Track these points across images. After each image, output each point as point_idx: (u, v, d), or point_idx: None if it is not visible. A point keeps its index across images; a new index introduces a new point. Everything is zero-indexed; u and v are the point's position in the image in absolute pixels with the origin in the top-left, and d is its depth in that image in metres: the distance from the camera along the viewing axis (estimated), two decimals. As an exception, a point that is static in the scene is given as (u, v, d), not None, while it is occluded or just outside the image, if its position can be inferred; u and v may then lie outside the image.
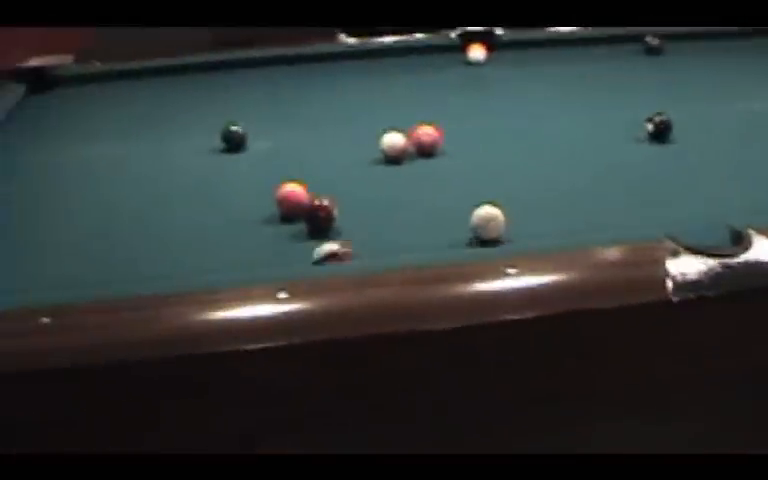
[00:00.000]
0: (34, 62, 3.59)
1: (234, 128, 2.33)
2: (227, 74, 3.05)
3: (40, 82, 2.98)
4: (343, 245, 1.69)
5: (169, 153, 2.39)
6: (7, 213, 2.10)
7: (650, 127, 2.29)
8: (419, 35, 3.25)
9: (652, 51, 3.12)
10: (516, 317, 1.51)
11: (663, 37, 3.14)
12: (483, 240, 1.77)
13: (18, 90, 2.89)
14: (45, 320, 1.51)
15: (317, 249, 1.69)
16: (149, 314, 1.55)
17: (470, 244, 1.75)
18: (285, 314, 1.52)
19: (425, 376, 1.50)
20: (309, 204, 1.85)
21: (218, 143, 2.34)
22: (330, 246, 1.70)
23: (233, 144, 2.33)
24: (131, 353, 1.49)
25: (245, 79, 2.99)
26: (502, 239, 1.76)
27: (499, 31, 3.15)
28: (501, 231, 1.77)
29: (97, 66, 3.14)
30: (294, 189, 1.91)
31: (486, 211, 1.77)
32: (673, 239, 1.54)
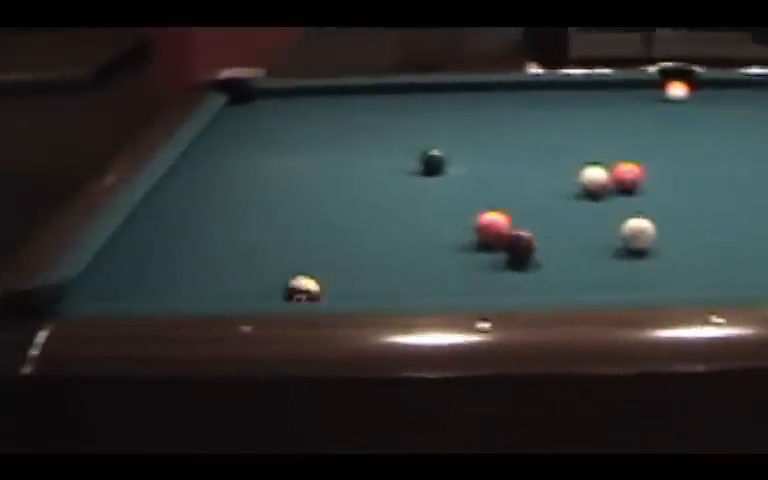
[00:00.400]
0: (228, 74, 3.71)
1: (433, 152, 2.34)
2: (421, 97, 3.05)
3: (240, 93, 3.06)
4: (316, 285, 1.68)
5: (366, 171, 2.43)
6: (208, 220, 2.16)
7: None
8: (615, 70, 3.20)
9: None
10: (719, 368, 1.47)
11: None
12: (632, 250, 1.86)
13: (219, 100, 2.97)
14: (245, 329, 1.54)
15: (292, 280, 1.69)
16: (346, 333, 1.57)
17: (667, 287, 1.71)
18: (485, 344, 1.52)
19: (623, 422, 1.46)
20: (510, 234, 1.84)
21: (416, 165, 2.35)
22: (306, 283, 1.68)
23: (431, 168, 2.33)
24: (326, 369, 1.50)
25: (440, 103, 2.98)
26: (650, 251, 1.85)
27: (699, 69, 3.06)
28: (649, 243, 1.85)
29: (294, 81, 3.20)
30: (496, 218, 1.90)
31: (636, 223, 1.87)
32: None
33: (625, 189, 2.18)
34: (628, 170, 2.18)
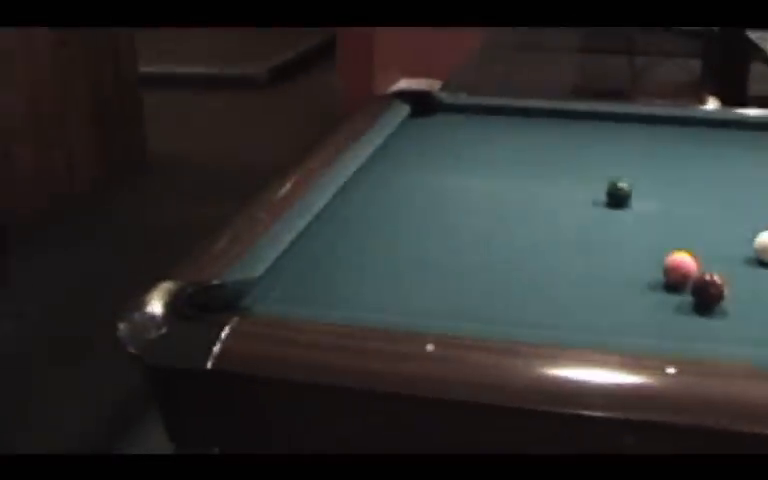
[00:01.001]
0: (408, 85, 3.75)
1: (621, 184, 2.30)
2: (602, 125, 3.01)
3: (424, 106, 3.08)
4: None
5: (549, 198, 2.41)
6: (390, 232, 2.18)
7: None
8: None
9: None
10: None
11: None
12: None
13: (403, 110, 3.00)
14: (429, 348, 1.55)
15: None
16: (526, 363, 1.56)
17: None
18: (671, 391, 1.49)
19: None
20: (700, 277, 1.80)
21: (601, 196, 2.32)
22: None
23: (618, 200, 2.30)
24: (503, 398, 1.50)
25: (621, 133, 2.94)
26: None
27: None
28: None
29: (477, 98, 3.20)
30: (685, 259, 1.85)
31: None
32: None
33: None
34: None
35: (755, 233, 2.05)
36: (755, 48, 5.08)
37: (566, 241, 2.14)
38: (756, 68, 5.27)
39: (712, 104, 4.85)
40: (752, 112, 3.18)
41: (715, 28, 6.16)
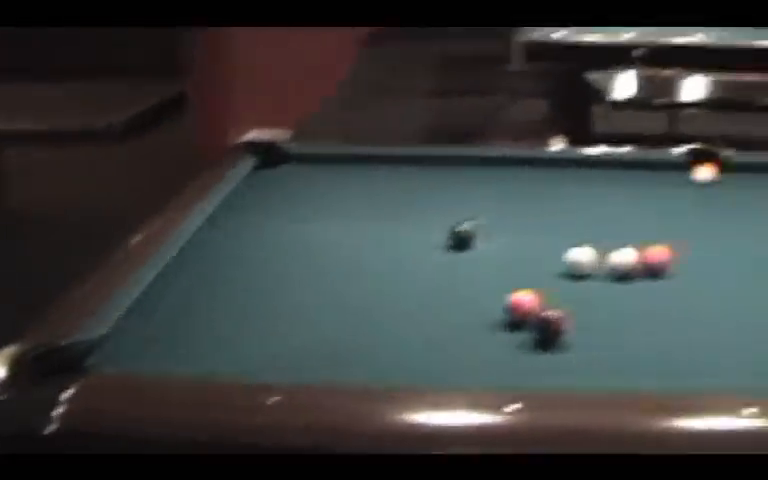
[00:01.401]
0: (255, 136, 3.76)
1: (463, 226, 2.35)
2: (450, 169, 3.07)
3: (269, 157, 3.08)
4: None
5: (397, 244, 2.43)
6: (235, 284, 2.18)
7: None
8: (643, 150, 3.22)
9: None
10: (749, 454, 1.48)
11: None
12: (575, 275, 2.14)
13: (248, 163, 3.00)
14: (273, 399, 1.56)
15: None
16: (374, 408, 1.59)
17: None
18: (512, 425, 1.53)
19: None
20: (540, 314, 1.85)
21: (445, 240, 2.36)
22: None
23: (461, 243, 2.34)
24: (353, 444, 1.52)
25: (468, 176, 3.00)
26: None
27: (728, 152, 3.08)
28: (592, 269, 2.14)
29: (323, 147, 3.22)
30: (526, 297, 1.91)
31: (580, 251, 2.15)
32: None
33: (654, 272, 2.18)
34: (657, 252, 2.19)
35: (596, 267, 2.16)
36: (594, 90, 5.25)
37: (412, 286, 2.17)
38: (600, 108, 5.44)
39: (559, 144, 5.00)
40: (596, 150, 3.29)
41: (562, 69, 6.37)
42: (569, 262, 2.20)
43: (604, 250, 2.20)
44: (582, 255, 2.21)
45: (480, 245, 2.36)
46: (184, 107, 5.72)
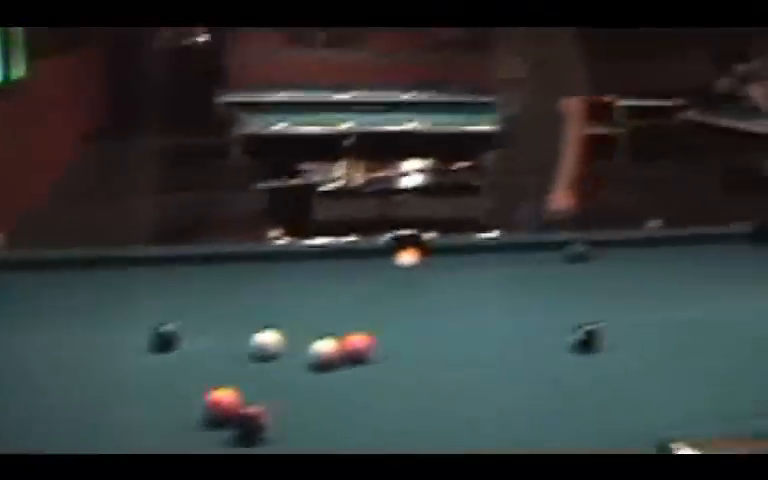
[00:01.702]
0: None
1: (166, 327, 2.33)
2: (159, 269, 3.03)
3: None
4: None
5: (101, 349, 2.38)
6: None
7: (578, 337, 2.34)
8: (351, 238, 3.31)
9: (578, 258, 3.19)
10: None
11: (589, 243, 3.22)
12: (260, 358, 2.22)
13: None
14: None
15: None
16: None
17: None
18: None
19: None
20: (239, 412, 1.85)
21: (150, 341, 2.33)
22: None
23: (165, 343, 2.32)
24: None
25: (177, 275, 2.98)
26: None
27: (430, 235, 3.21)
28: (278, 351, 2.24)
29: (29, 253, 3.11)
30: (225, 395, 1.91)
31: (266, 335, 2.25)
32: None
33: (355, 359, 2.24)
34: (358, 340, 2.25)
35: (301, 359, 2.22)
36: (312, 180, 5.38)
37: (117, 388, 2.13)
38: (317, 197, 5.57)
39: (276, 236, 5.06)
40: (310, 242, 3.35)
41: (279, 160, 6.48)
42: (256, 345, 2.27)
43: (307, 340, 2.24)
44: (268, 338, 2.28)
45: (186, 345, 2.34)
46: None
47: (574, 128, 4.17)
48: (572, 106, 4.17)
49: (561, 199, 4.16)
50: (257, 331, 2.32)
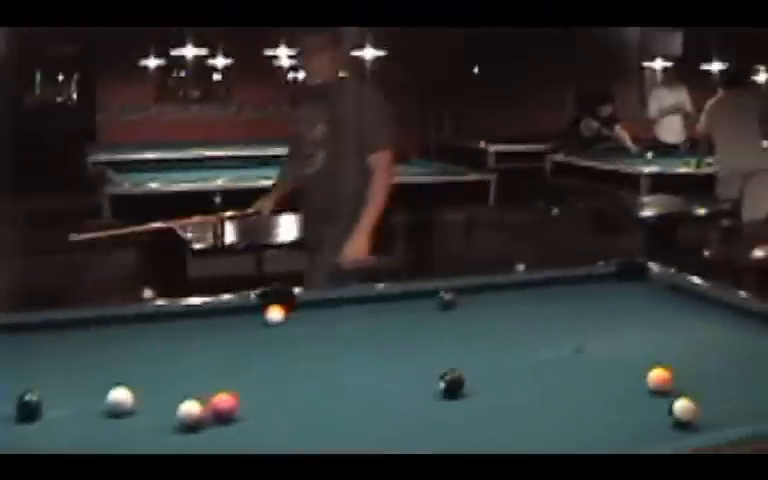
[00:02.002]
0: None
1: (28, 396, 2.28)
2: (20, 336, 2.96)
3: None
4: None
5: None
6: None
7: (443, 384, 2.38)
8: (221, 297, 3.30)
9: (446, 305, 3.24)
10: None
11: (457, 291, 3.27)
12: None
13: None
14: None
15: None
16: None
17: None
18: None
19: None
20: None
21: (12, 410, 2.28)
22: None
23: (27, 413, 2.27)
24: None
25: (39, 340, 2.91)
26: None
27: (297, 290, 3.23)
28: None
29: None
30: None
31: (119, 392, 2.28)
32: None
33: (222, 419, 2.23)
34: (222, 400, 2.24)
35: (168, 421, 2.20)
36: (182, 239, 5.33)
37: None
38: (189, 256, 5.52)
39: (149, 295, 5.03)
40: (180, 301, 3.32)
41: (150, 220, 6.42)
42: (109, 402, 2.30)
43: (175, 402, 2.22)
44: (120, 395, 2.30)
45: (48, 412, 2.29)
46: None
47: (379, 181, 4.14)
48: (378, 159, 4.15)
49: (357, 249, 4.07)
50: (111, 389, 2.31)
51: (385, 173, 4.17)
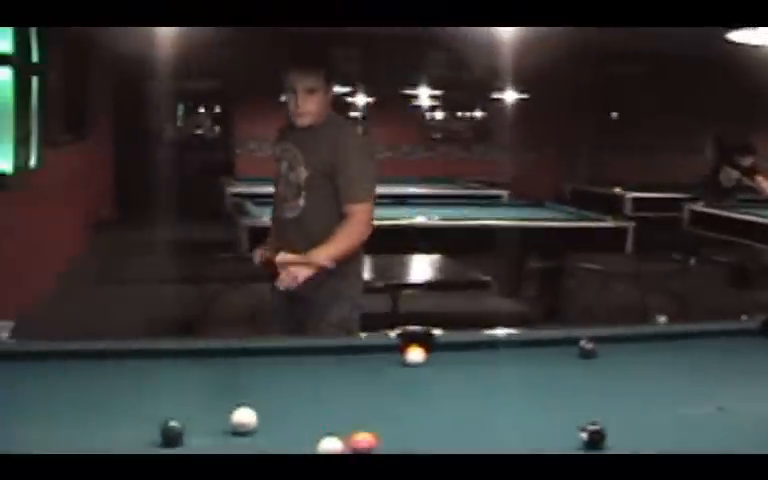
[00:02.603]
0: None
1: (171, 423, 2.31)
2: (162, 362, 3.01)
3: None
4: None
5: (106, 442, 2.34)
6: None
7: (584, 436, 2.32)
8: (360, 334, 3.30)
9: (586, 354, 3.17)
10: None
11: (596, 340, 3.21)
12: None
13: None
14: None
15: None
16: None
17: None
18: None
19: None
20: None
21: (155, 436, 2.30)
22: None
23: (170, 440, 2.29)
24: None
25: (181, 369, 2.96)
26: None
27: (437, 332, 3.20)
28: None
29: (29, 344, 3.08)
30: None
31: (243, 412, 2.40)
32: None
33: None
34: (362, 440, 2.22)
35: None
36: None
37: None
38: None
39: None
40: (311, 339, 3.33)
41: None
42: (234, 423, 2.40)
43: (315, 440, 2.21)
44: (244, 416, 2.41)
45: (189, 440, 2.31)
46: None
47: (350, 229, 3.95)
48: (357, 211, 3.95)
49: (295, 273, 3.87)
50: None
51: (359, 226, 3.98)
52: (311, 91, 3.99)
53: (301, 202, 4.04)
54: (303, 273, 3.89)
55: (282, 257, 3.92)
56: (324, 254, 3.91)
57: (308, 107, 3.99)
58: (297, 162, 4.05)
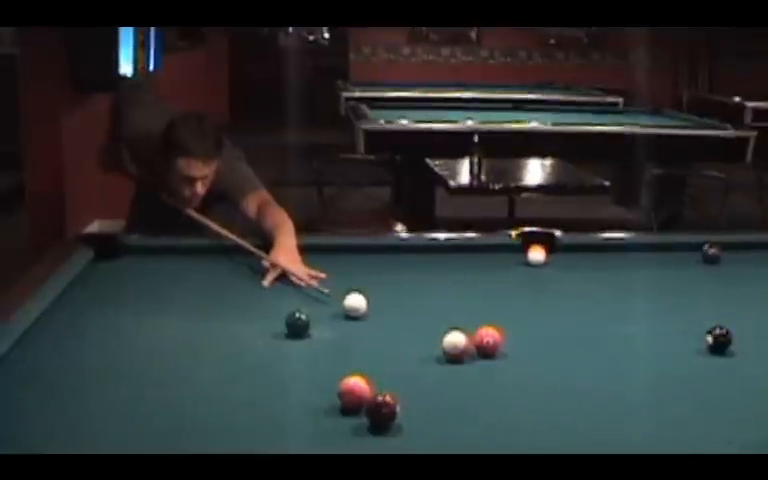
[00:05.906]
0: (92, 228, 3.66)
1: (298, 315, 2.36)
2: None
3: (107, 249, 3.02)
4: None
5: (232, 334, 2.43)
6: (72, 378, 2.12)
7: (710, 340, 2.30)
8: (478, 234, 3.29)
9: (710, 259, 3.13)
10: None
11: (720, 246, 3.15)
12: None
13: (85, 256, 2.93)
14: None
15: None
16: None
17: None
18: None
19: None
20: (371, 399, 1.86)
21: (281, 328, 2.36)
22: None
23: (297, 331, 2.35)
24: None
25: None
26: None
27: (558, 233, 3.18)
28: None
29: (161, 240, 3.15)
30: (357, 383, 1.92)
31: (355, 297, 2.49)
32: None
33: (486, 353, 2.22)
34: (488, 334, 2.23)
35: (431, 350, 2.22)
36: (436, 176, 5.38)
37: (245, 374, 2.17)
38: (441, 193, 5.58)
39: (399, 230, 5.09)
40: (434, 235, 3.35)
41: (399, 157, 6.52)
42: (346, 306, 2.51)
43: (439, 333, 2.23)
44: (355, 301, 2.51)
45: (316, 333, 2.37)
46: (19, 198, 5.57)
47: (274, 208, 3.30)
48: (258, 195, 3.39)
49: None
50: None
51: (273, 202, 3.39)
52: (207, 163, 3.27)
53: None
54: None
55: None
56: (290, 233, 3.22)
57: (205, 187, 3.31)
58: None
